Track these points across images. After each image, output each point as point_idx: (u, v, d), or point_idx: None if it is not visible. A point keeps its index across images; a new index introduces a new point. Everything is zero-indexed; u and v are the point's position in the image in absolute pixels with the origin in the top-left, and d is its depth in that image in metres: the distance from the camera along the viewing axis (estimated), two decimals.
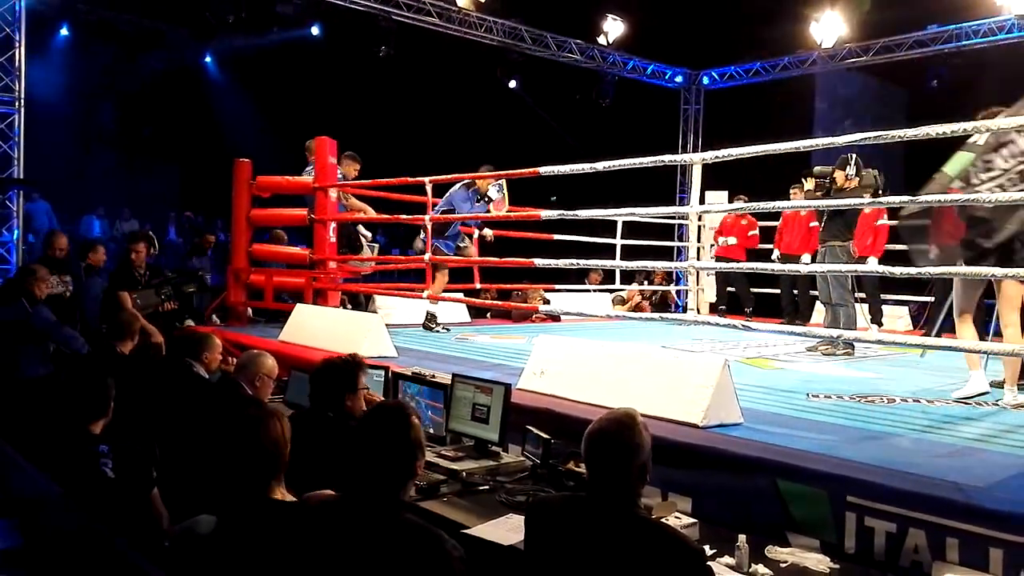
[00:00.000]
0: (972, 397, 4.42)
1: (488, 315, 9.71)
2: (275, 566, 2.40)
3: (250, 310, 7.89)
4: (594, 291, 10.69)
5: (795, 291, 9.07)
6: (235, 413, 2.99)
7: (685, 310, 8.14)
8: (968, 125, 3.77)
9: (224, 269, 8.28)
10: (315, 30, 13.58)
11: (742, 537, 2.66)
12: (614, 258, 8.62)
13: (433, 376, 4.34)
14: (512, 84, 12.93)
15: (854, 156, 6.39)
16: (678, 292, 11.74)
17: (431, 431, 4.10)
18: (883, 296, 8.72)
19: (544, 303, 9.67)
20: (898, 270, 3.77)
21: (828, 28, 12.34)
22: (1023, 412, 4.20)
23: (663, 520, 2.85)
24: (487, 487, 3.43)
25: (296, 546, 2.34)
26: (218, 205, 9.20)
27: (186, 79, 14.98)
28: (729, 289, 9.93)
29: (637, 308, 10.62)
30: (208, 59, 15.76)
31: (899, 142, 3.85)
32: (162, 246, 13.30)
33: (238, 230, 7.76)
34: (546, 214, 5.76)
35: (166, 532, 3.12)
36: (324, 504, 2.33)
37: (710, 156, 4.42)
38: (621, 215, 6.08)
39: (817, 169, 6.67)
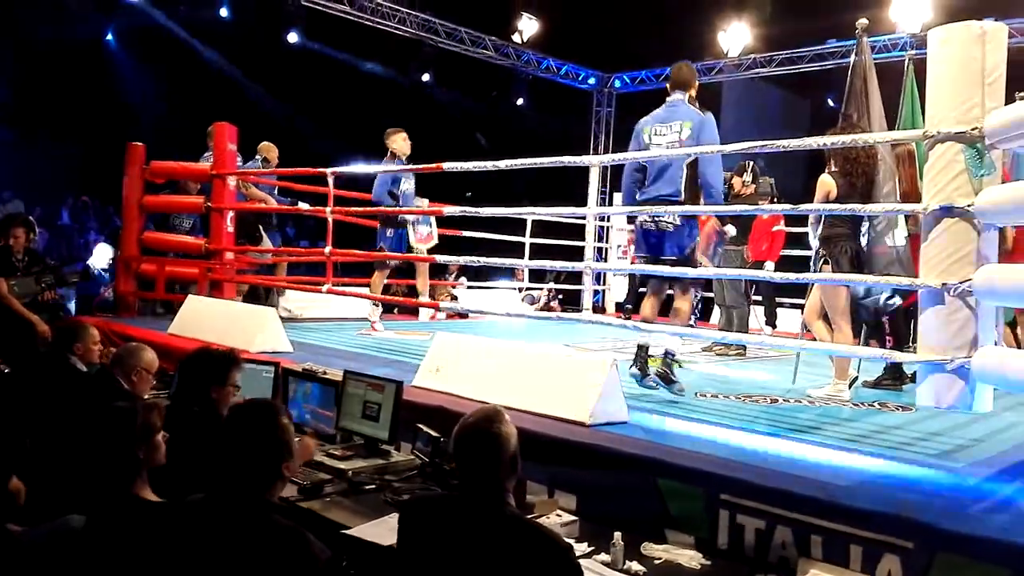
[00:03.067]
0: (825, 399, 4.62)
1: (395, 311, 9.61)
2: (138, 568, 2.31)
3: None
4: (518, 289, 10.70)
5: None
6: (100, 407, 2.87)
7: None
8: (861, 137, 3.95)
9: None
10: (224, 11, 13.20)
11: (617, 534, 2.70)
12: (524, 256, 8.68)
13: (324, 372, 4.25)
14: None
15: (751, 164, 6.63)
16: (579, 292, 11.87)
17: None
18: (778, 299, 9.00)
19: (452, 300, 9.67)
20: (778, 275, 3.91)
21: (734, 38, 12.72)
22: (891, 413, 4.42)
23: (541, 517, 2.88)
24: (374, 486, 3.39)
25: (159, 547, 2.25)
26: (119, 189, 8.69)
27: (87, 56, 14.25)
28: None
29: (546, 308, 10.72)
30: (110, 36, 15.08)
31: (802, 151, 3.98)
32: (55, 230, 12.66)
33: (129, 216, 7.44)
34: (448, 210, 5.76)
35: (28, 533, 2.97)
36: (188, 504, 2.25)
37: (607, 159, 4.52)
38: (522, 214, 6.13)
39: None
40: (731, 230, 4.58)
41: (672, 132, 4.48)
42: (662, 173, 4.49)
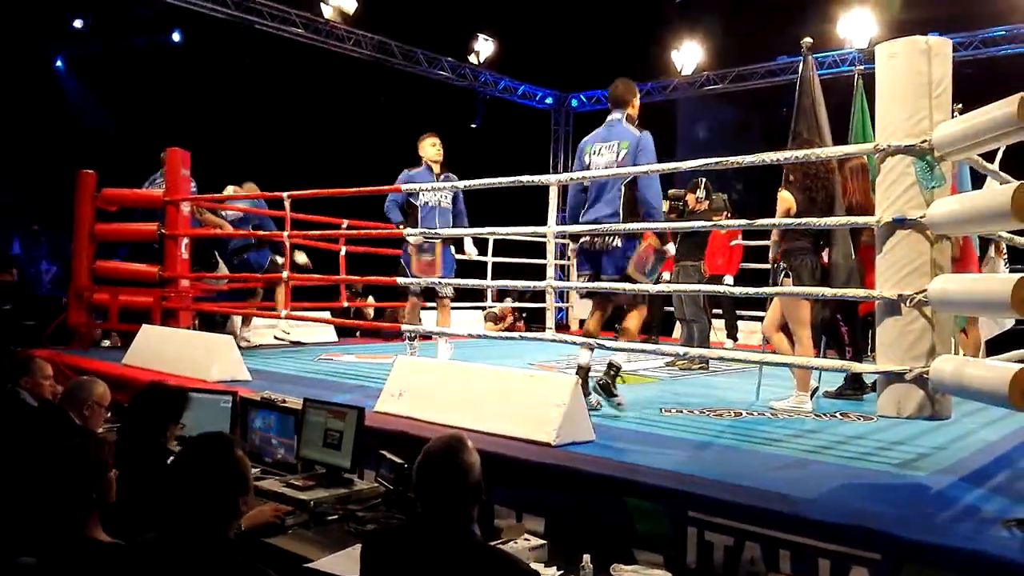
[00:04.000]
0: (788, 411, 4.65)
1: (358, 334, 9.50)
2: None
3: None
4: (481, 309, 10.62)
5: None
6: (50, 444, 2.76)
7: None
8: (814, 152, 3.99)
9: None
10: (176, 36, 13.04)
11: (586, 557, 2.67)
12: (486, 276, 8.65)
13: (283, 401, 4.17)
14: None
15: (703, 180, 6.73)
16: (542, 310, 11.85)
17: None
18: (738, 312, 9.08)
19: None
20: (738, 290, 3.94)
21: (687, 56, 12.94)
22: (853, 423, 4.46)
23: (509, 542, 2.84)
24: (337, 517, 3.32)
25: None
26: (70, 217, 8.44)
27: (36, 83, 13.95)
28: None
29: (511, 328, 10.68)
30: (59, 63, 14.81)
31: (755, 166, 3.99)
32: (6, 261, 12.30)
33: (80, 246, 7.26)
34: (409, 232, 5.70)
35: None
36: (142, 544, 2.16)
37: (565, 177, 4.49)
38: (482, 233, 6.11)
39: (671, 192, 6.97)
40: (671, 249, 4.57)
41: (610, 152, 4.48)
42: (601, 195, 4.49)
